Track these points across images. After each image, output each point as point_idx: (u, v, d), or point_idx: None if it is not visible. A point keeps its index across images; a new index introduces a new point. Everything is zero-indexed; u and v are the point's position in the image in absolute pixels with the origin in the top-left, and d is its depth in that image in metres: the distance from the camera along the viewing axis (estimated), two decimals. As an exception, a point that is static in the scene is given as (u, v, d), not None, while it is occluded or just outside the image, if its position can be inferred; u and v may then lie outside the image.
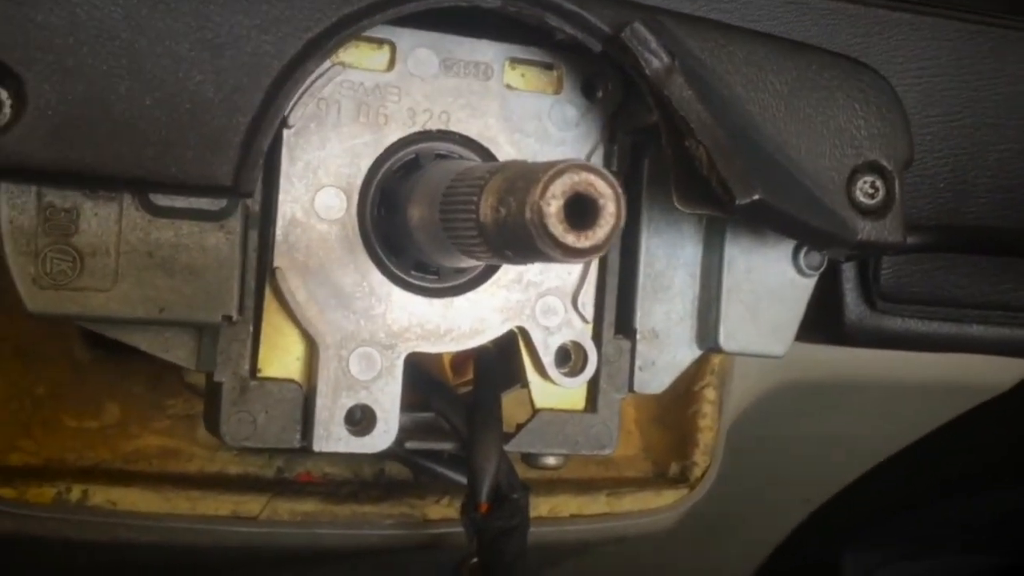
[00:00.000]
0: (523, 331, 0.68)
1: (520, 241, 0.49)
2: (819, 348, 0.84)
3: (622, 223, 0.48)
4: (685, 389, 0.92)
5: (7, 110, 0.53)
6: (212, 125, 0.56)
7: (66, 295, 0.58)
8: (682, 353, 0.72)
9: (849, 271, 0.80)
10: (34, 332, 0.85)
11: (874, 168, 0.66)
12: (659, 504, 0.88)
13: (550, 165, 0.48)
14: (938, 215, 0.76)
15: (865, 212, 0.66)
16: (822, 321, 0.81)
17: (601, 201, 0.48)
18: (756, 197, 0.59)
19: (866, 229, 0.65)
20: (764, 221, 0.63)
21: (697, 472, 0.90)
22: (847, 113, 0.66)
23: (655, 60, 0.61)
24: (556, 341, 0.68)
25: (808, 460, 1.22)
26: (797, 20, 0.69)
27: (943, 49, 0.74)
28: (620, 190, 0.48)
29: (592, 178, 0.47)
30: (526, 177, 0.49)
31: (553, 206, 0.47)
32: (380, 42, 0.64)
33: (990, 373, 1.10)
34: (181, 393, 0.86)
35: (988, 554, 1.60)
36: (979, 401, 1.15)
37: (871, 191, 0.66)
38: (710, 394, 0.91)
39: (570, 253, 0.48)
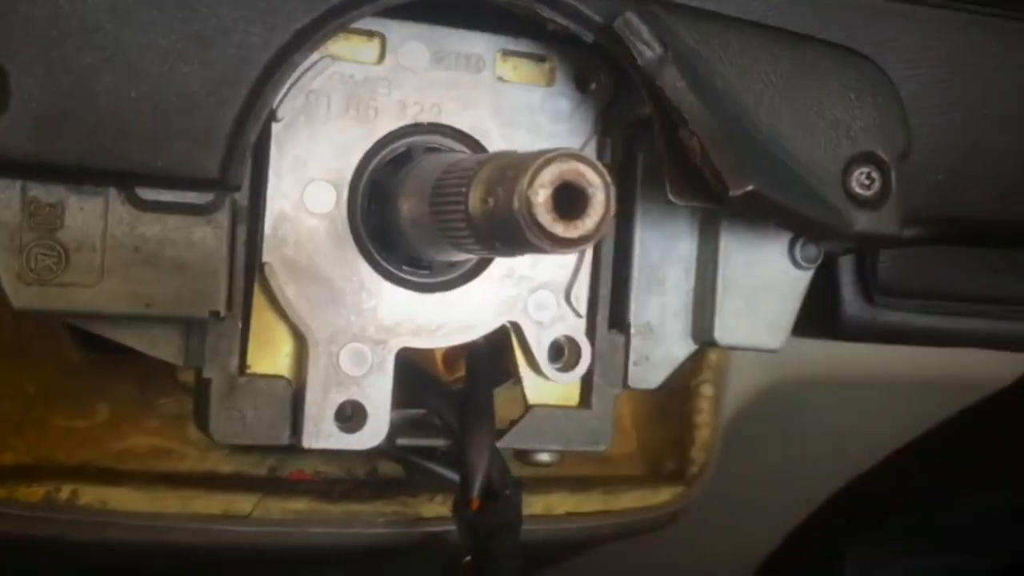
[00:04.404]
0: (516, 326, 0.67)
1: (509, 232, 0.48)
2: (817, 344, 0.84)
3: (612, 212, 0.47)
4: (682, 386, 0.91)
5: (-10, 103, 0.52)
6: (198, 118, 0.55)
7: (51, 291, 0.57)
8: (677, 348, 0.71)
9: (846, 265, 0.80)
10: (25, 332, 0.84)
11: (870, 159, 0.65)
12: (656, 502, 0.87)
13: (538, 154, 0.47)
14: (936, 207, 0.75)
15: (861, 203, 0.65)
16: (819, 315, 0.80)
17: (590, 190, 0.47)
18: (750, 188, 0.59)
19: (862, 220, 0.65)
20: (758, 212, 0.62)
21: (694, 469, 0.89)
22: (842, 104, 0.65)
23: (648, 51, 0.60)
24: (549, 336, 0.67)
25: (808, 457, 1.21)
26: (792, 10, 0.69)
27: (940, 40, 0.73)
28: (609, 179, 0.47)
29: (581, 167, 0.47)
30: (515, 167, 0.48)
31: (541, 195, 0.46)
32: (370, 34, 0.63)
33: (991, 367, 1.09)
34: (172, 392, 0.86)
35: (992, 552, 1.59)
36: (980, 396, 1.14)
37: (867, 182, 0.65)
38: (707, 390, 0.90)
39: (559, 243, 0.47)
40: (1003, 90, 0.74)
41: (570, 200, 0.47)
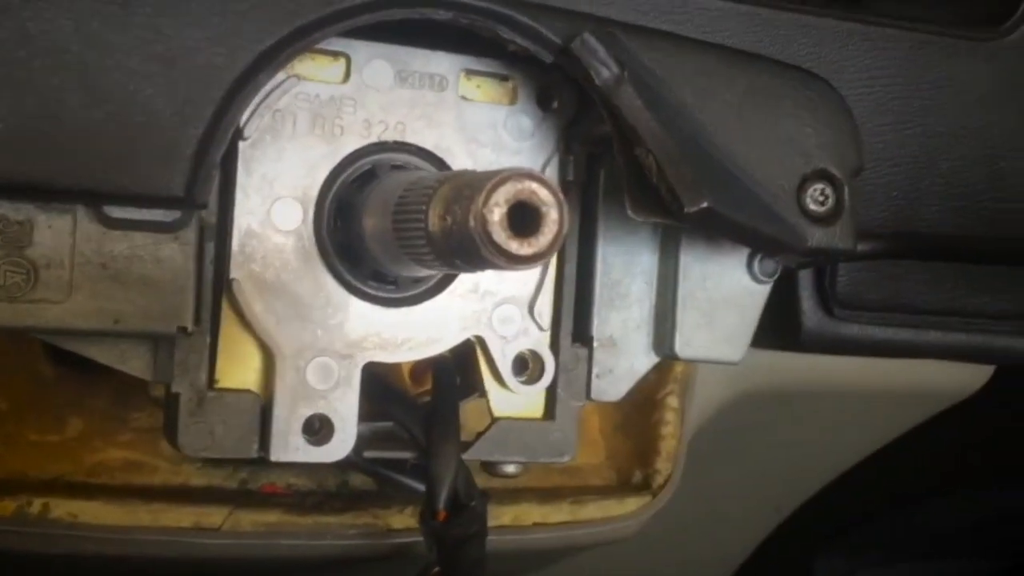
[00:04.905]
0: (480, 340, 0.68)
1: (466, 249, 0.50)
2: (782, 356, 0.85)
3: (565, 230, 0.49)
4: (647, 397, 0.93)
5: (-42, 124, 0.53)
6: (164, 137, 0.56)
7: (21, 307, 0.58)
8: (639, 361, 0.72)
9: (805, 278, 0.81)
10: (-3, 347, 0.85)
11: (824, 176, 0.67)
12: (622, 512, 0.88)
13: (494, 174, 0.48)
14: (891, 222, 0.77)
15: (815, 219, 0.66)
16: (780, 328, 0.82)
17: (544, 208, 0.48)
18: (704, 205, 0.60)
19: (816, 236, 0.66)
20: (714, 228, 0.64)
21: (660, 480, 0.90)
22: (796, 122, 0.67)
23: (605, 70, 0.62)
24: (513, 349, 0.69)
25: (776, 468, 1.23)
26: (748, 31, 0.71)
27: (894, 60, 0.75)
28: (562, 198, 0.49)
29: (534, 186, 0.48)
30: (471, 186, 0.49)
31: (496, 214, 0.48)
32: (335, 54, 0.65)
33: (953, 379, 1.11)
34: (145, 407, 0.86)
35: (959, 559, 1.61)
36: (943, 407, 1.16)
37: (821, 199, 0.67)
38: (672, 402, 0.92)
39: (514, 260, 0.48)
40: (955, 107, 0.77)
41: (524, 218, 0.48)
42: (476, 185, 0.49)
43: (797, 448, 1.20)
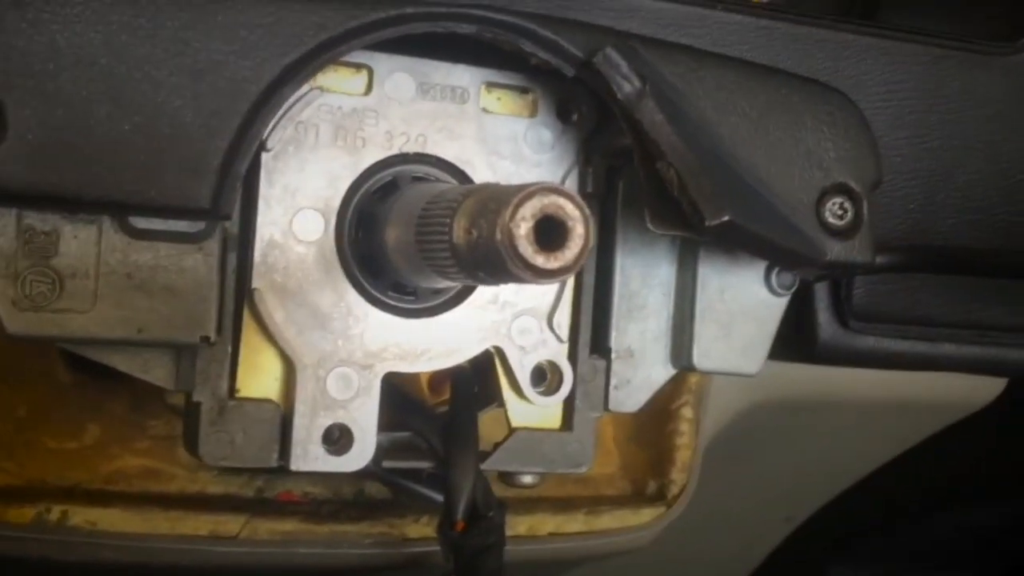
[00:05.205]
0: (499, 351, 0.68)
1: (491, 262, 0.50)
2: (795, 367, 0.86)
3: (591, 244, 0.49)
4: (662, 408, 0.93)
5: (-13, 135, 0.54)
6: (191, 149, 0.57)
7: (46, 317, 0.59)
8: (657, 372, 0.73)
9: (822, 291, 0.82)
10: (16, 354, 0.85)
11: (842, 190, 0.67)
12: (637, 522, 0.89)
13: (520, 188, 0.49)
14: (908, 235, 0.77)
15: (834, 233, 0.67)
16: (796, 340, 0.82)
17: (570, 223, 0.49)
18: (725, 218, 0.61)
19: (835, 250, 0.67)
20: (734, 242, 0.64)
21: (674, 490, 0.91)
22: (816, 136, 0.67)
23: (627, 85, 0.62)
24: (532, 360, 0.69)
25: (788, 478, 1.23)
26: (767, 45, 0.71)
27: (911, 73, 0.75)
28: (588, 212, 0.49)
29: (561, 201, 0.48)
30: (497, 200, 0.50)
31: (523, 228, 0.48)
32: (358, 67, 0.65)
33: (965, 391, 1.11)
34: (163, 414, 0.87)
35: (969, 570, 1.61)
36: (955, 419, 1.16)
37: (840, 212, 0.67)
38: (687, 412, 0.92)
39: (540, 274, 0.49)
40: (971, 120, 0.77)
41: (551, 232, 0.48)
42: (502, 199, 0.49)
43: (809, 458, 1.20)
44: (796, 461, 1.19)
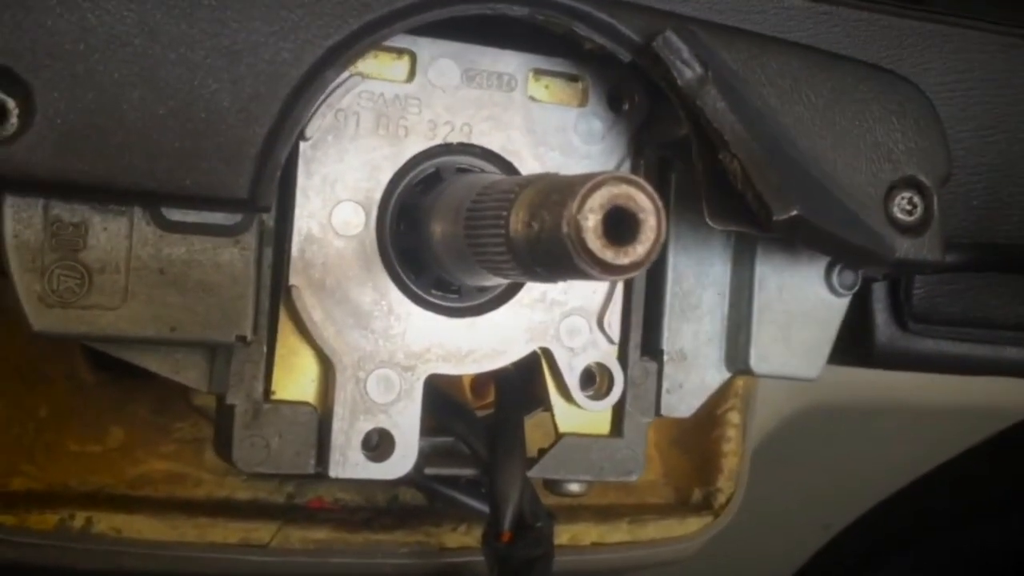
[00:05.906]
0: (547, 352, 0.65)
1: (554, 258, 0.47)
2: (845, 370, 0.82)
3: (663, 239, 0.46)
4: (707, 412, 0.89)
5: (14, 119, 0.51)
6: (228, 136, 0.53)
7: (73, 313, 0.55)
8: (711, 375, 0.69)
9: (880, 291, 0.78)
10: (37, 352, 0.82)
11: (912, 184, 0.64)
12: (682, 532, 0.85)
13: (588, 177, 0.45)
14: (972, 233, 0.73)
15: (903, 229, 0.63)
16: (851, 343, 0.78)
17: (641, 215, 0.45)
18: (794, 213, 0.57)
19: (904, 247, 0.63)
20: (801, 238, 0.61)
21: (721, 499, 0.87)
22: (884, 127, 0.63)
23: (688, 70, 0.59)
24: (581, 363, 0.66)
25: (829, 484, 1.19)
26: (829, 31, 0.67)
27: (976, 62, 0.72)
28: (661, 204, 0.46)
29: (632, 191, 0.45)
30: (561, 190, 0.46)
31: (591, 220, 0.44)
32: (400, 52, 0.62)
33: (1019, 395, 1.07)
34: (188, 416, 0.84)
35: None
36: (1007, 424, 1.12)
37: (909, 207, 0.63)
38: (734, 418, 0.88)
39: (609, 270, 0.45)
40: (1040, 113, 0.73)
41: (620, 225, 0.45)
42: (567, 189, 0.46)
43: (852, 464, 1.17)
44: (839, 467, 1.16)
